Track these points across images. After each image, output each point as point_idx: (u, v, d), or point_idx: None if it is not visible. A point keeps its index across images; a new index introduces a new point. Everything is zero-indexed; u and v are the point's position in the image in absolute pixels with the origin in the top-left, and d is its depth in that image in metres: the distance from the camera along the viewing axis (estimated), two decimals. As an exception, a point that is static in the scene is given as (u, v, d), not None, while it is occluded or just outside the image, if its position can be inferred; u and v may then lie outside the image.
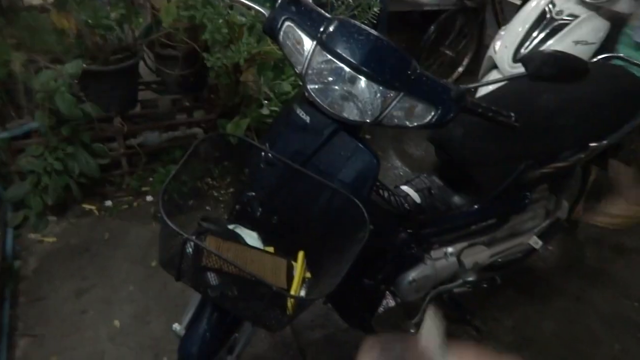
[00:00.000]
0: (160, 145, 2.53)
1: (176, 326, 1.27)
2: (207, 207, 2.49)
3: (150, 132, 2.49)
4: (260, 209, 1.24)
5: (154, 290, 2.03)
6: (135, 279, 2.07)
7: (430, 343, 0.23)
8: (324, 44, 1.14)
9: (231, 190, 2.60)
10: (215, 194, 2.57)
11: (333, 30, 1.15)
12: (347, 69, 1.12)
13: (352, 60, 1.11)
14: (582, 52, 2.44)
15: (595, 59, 1.89)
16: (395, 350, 0.21)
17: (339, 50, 1.12)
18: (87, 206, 2.39)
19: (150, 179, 2.51)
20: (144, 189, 2.49)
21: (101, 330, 1.87)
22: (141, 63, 2.50)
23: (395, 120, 1.17)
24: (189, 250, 1.01)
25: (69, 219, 2.34)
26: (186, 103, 2.69)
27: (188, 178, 2.35)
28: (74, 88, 2.12)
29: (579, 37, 2.51)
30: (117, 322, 1.90)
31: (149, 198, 2.48)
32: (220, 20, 2.09)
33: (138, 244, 2.23)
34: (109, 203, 2.42)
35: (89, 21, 2.09)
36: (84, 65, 2.06)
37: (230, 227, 1.21)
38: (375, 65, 1.12)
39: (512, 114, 1.22)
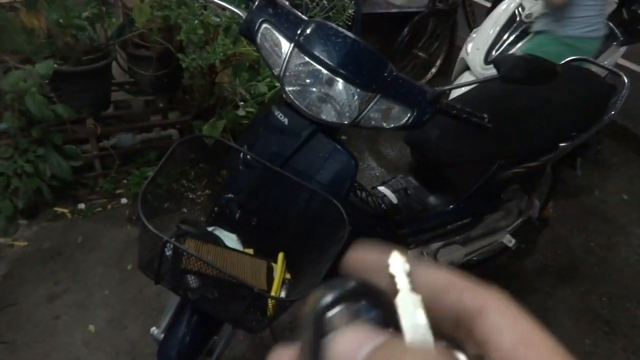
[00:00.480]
0: (134, 146, 2.51)
1: (154, 330, 1.27)
2: (184, 210, 2.46)
3: (123, 134, 2.46)
4: (239, 211, 1.24)
5: (129, 294, 2.00)
6: (110, 282, 2.04)
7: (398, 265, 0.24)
8: (302, 46, 1.15)
9: (207, 192, 2.58)
10: (192, 196, 2.55)
11: (310, 32, 1.16)
12: (324, 71, 1.13)
13: (329, 62, 1.12)
14: (550, 55, 2.51)
15: (563, 62, 1.94)
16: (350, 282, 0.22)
17: (316, 53, 1.13)
18: (59, 209, 2.34)
19: (124, 181, 2.47)
20: (118, 191, 2.46)
21: (75, 335, 1.84)
22: (114, 63, 2.46)
23: (373, 122, 1.19)
24: (168, 252, 1.00)
25: (41, 223, 2.29)
26: (160, 104, 2.66)
27: (164, 180, 2.34)
28: (45, 89, 2.08)
29: (548, 40, 2.58)
30: (92, 327, 1.87)
31: (124, 200, 2.44)
32: (196, 21, 2.08)
33: (113, 247, 2.20)
34: (82, 206, 2.38)
35: (60, 21, 2.05)
36: (55, 66, 2.03)
37: (209, 229, 1.21)
38: (352, 67, 1.13)
39: (485, 115, 1.25)
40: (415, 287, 0.24)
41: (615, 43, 2.83)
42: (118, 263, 2.12)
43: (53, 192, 2.21)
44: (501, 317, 0.23)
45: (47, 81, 2.04)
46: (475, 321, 0.23)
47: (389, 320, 0.23)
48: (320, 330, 0.22)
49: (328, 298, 0.23)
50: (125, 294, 2.01)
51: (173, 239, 1.01)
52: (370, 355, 0.21)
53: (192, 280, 1.03)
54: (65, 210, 2.35)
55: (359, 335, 0.22)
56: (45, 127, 2.12)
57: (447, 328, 0.24)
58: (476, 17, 3.84)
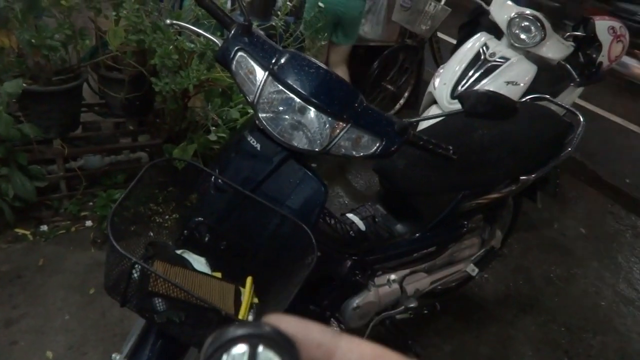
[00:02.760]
0: (102, 168, 2.47)
1: (116, 356, 1.23)
2: (150, 234, 2.42)
3: (91, 155, 2.43)
4: (208, 235, 1.25)
5: (91, 319, 1.95)
6: (71, 307, 1.98)
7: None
8: (276, 75, 1.18)
9: (175, 216, 2.55)
10: (159, 220, 2.52)
11: (284, 62, 1.19)
12: (297, 99, 1.16)
13: (302, 91, 1.16)
14: (512, 92, 2.63)
15: (523, 99, 2.04)
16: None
17: (289, 82, 1.16)
18: (20, 231, 2.28)
19: (90, 203, 2.43)
20: (83, 213, 2.41)
21: (32, 362, 1.77)
22: (84, 85, 2.44)
23: (343, 150, 1.23)
24: (136, 274, 1.00)
25: (0, 245, 2.21)
26: (130, 127, 2.65)
27: (132, 203, 2.31)
28: (12, 108, 2.05)
29: (510, 78, 2.71)
30: (50, 354, 1.80)
31: (88, 223, 2.39)
32: (171, 46, 2.10)
33: (75, 271, 2.14)
34: (44, 228, 2.31)
35: (32, 41, 2.03)
36: (24, 85, 2.00)
37: (178, 252, 1.21)
38: (324, 97, 1.17)
39: (450, 147, 1.30)
40: None
41: (572, 84, 3.00)
42: (80, 287, 2.07)
43: (15, 213, 2.16)
44: None
45: (14, 100, 2.01)
46: None
47: None
48: None
49: (228, 335, 0.22)
50: (87, 319, 1.95)
51: (141, 261, 1.01)
52: None
53: (159, 303, 1.02)
54: (27, 232, 2.28)
55: None
56: (10, 147, 2.09)
57: None
58: (442, 53, 3.99)
